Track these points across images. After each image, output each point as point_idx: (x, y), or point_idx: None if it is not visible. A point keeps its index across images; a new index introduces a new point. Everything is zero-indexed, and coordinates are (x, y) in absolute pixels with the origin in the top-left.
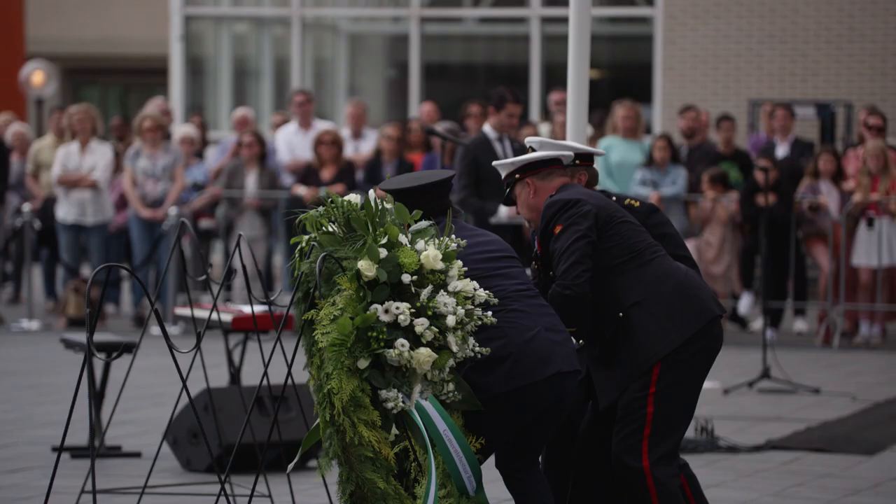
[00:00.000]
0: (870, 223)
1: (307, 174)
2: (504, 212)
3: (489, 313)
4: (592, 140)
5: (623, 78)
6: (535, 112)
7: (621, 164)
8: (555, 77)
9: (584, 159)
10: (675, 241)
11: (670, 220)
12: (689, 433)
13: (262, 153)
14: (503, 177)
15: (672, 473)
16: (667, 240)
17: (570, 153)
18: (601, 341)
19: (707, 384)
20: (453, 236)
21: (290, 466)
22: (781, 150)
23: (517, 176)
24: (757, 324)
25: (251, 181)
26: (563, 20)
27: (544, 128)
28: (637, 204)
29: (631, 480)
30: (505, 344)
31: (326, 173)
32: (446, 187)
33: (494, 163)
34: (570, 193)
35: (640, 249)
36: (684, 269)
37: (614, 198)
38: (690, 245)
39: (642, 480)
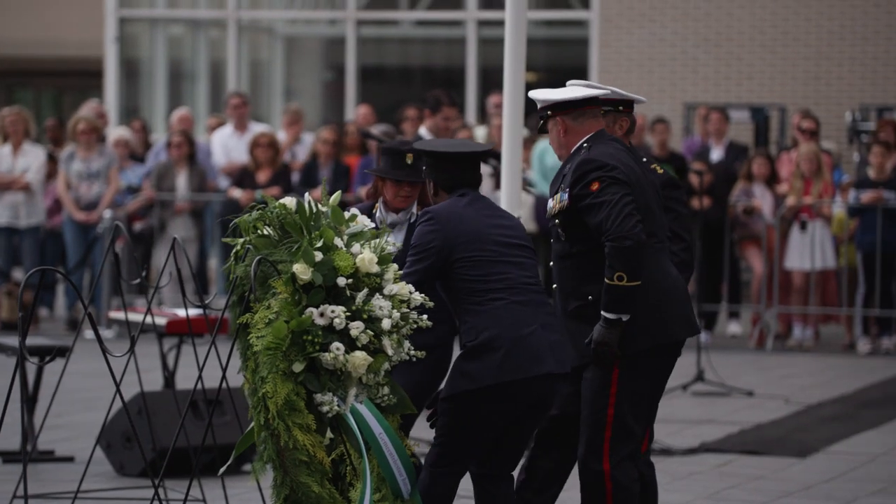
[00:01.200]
0: (803, 226)
1: (243, 177)
2: None
3: (425, 317)
4: (528, 143)
5: (559, 81)
6: (471, 115)
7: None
8: (491, 80)
9: (627, 106)
10: (681, 223)
11: (683, 199)
12: None
13: (191, 153)
14: (538, 108)
15: (633, 477)
16: (672, 217)
17: (608, 92)
18: (575, 309)
19: None
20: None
21: (223, 469)
22: (716, 154)
23: (549, 112)
24: None
25: (181, 182)
26: (500, 23)
27: (480, 130)
28: (660, 171)
29: (592, 483)
30: (499, 334)
31: (262, 176)
32: (478, 160)
33: (531, 92)
34: (606, 157)
35: (648, 234)
36: (676, 274)
37: (644, 159)
38: None
39: (602, 483)
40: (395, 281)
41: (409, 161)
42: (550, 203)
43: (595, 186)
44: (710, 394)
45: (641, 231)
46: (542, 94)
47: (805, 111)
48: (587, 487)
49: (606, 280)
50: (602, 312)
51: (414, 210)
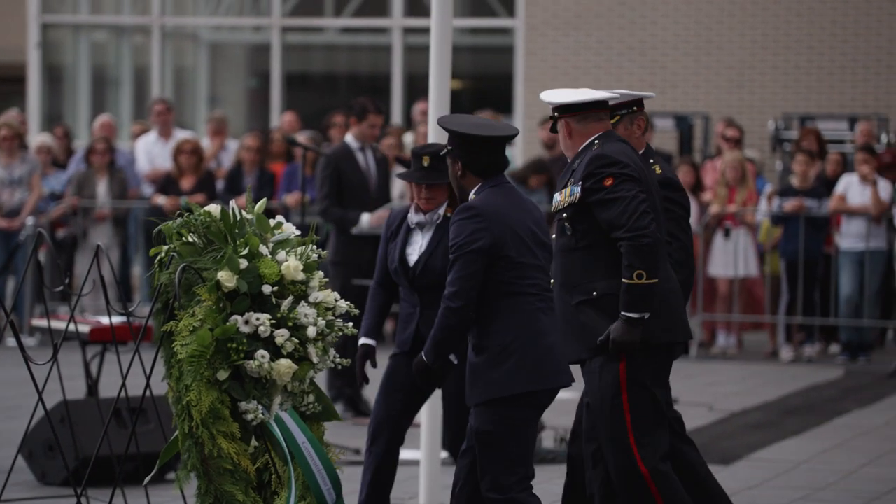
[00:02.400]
0: (727, 234)
1: (166, 184)
2: (365, 221)
3: (350, 324)
4: None
5: (484, 88)
6: (397, 121)
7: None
8: (417, 87)
9: (639, 105)
10: (677, 223)
11: (679, 199)
12: (549, 443)
13: (111, 160)
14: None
15: (667, 468)
16: (668, 217)
17: (617, 96)
18: (570, 307)
19: (567, 394)
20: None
21: (147, 479)
22: None
23: (556, 114)
24: None
25: (102, 189)
26: (425, 30)
27: (406, 137)
28: (658, 171)
29: (631, 484)
30: (527, 341)
31: (186, 183)
32: (503, 143)
33: (543, 93)
34: (619, 154)
35: None
36: (674, 277)
37: (651, 160)
38: None
39: (642, 483)
40: (321, 288)
41: (425, 163)
42: (557, 197)
43: (609, 182)
44: None
45: (657, 229)
46: (549, 96)
47: (728, 119)
48: (626, 490)
49: (625, 280)
50: (623, 313)
51: (441, 211)
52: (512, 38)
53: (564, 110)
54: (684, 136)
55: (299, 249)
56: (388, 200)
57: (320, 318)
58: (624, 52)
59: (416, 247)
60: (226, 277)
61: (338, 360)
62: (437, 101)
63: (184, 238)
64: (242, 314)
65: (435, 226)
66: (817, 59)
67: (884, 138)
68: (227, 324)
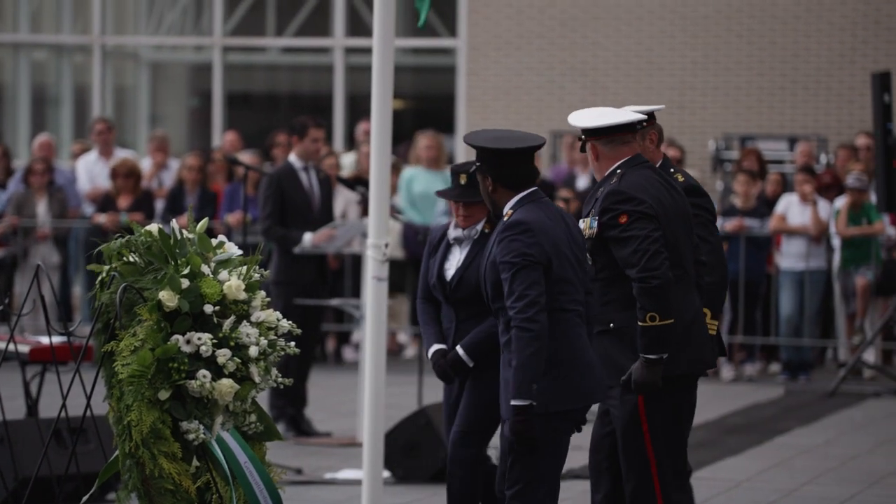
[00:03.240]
0: None
1: (105, 203)
2: (308, 241)
3: (292, 343)
4: (396, 169)
5: (426, 108)
6: (339, 142)
7: (424, 194)
8: (359, 107)
9: (651, 119)
10: (706, 227)
11: (707, 205)
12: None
13: (51, 180)
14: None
15: (681, 498)
16: (697, 222)
17: (639, 116)
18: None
19: None
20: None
21: (86, 498)
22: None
23: (583, 137)
24: None
25: (42, 209)
26: (367, 51)
27: (348, 158)
28: (681, 179)
29: None
30: (570, 357)
31: (123, 202)
32: (531, 154)
33: (571, 115)
34: (637, 189)
35: (674, 265)
36: (699, 306)
37: (672, 169)
38: None
39: None
40: (263, 308)
41: (462, 181)
42: (581, 224)
43: (623, 219)
44: None
45: (668, 269)
46: (576, 120)
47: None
48: None
49: (640, 323)
50: (642, 354)
51: (479, 227)
52: (454, 58)
53: (591, 133)
54: None
55: (241, 269)
56: (332, 220)
57: (262, 338)
58: (566, 73)
59: (454, 262)
60: (167, 297)
61: (280, 379)
62: (379, 121)
63: (125, 258)
64: (184, 334)
65: (472, 241)
66: (757, 80)
67: (823, 159)
68: (169, 343)
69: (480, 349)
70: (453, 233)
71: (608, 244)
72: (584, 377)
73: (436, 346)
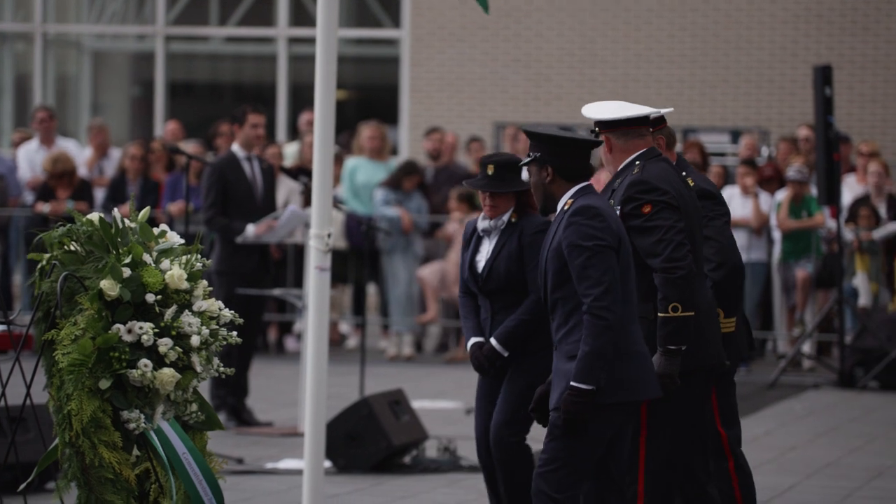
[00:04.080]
0: None
1: (44, 192)
2: (251, 231)
3: (234, 333)
4: (339, 160)
5: (370, 99)
6: (282, 132)
7: (367, 184)
8: (302, 97)
9: (656, 124)
10: (714, 227)
11: (719, 209)
12: (432, 452)
13: None
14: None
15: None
16: (710, 224)
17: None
18: None
19: (449, 404)
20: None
21: (23, 486)
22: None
23: (596, 129)
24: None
25: None
26: (310, 41)
27: (291, 147)
28: (692, 184)
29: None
30: (630, 349)
31: (62, 194)
32: (591, 149)
33: (585, 107)
34: (659, 180)
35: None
36: (711, 299)
37: (683, 172)
38: (435, 267)
39: None
40: (205, 297)
41: (489, 172)
42: None
43: (647, 209)
44: None
45: (692, 260)
46: (590, 112)
47: None
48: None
49: (661, 313)
50: (662, 346)
51: (505, 217)
52: (398, 48)
53: (606, 126)
54: None
55: (183, 258)
56: (274, 209)
57: (204, 327)
58: (509, 64)
59: (484, 253)
60: (108, 286)
61: (221, 369)
62: (322, 112)
63: (66, 247)
64: (125, 323)
65: (500, 232)
66: (700, 73)
67: (765, 151)
68: (110, 332)
69: (514, 338)
70: (482, 224)
71: (629, 234)
72: (639, 370)
73: (473, 340)
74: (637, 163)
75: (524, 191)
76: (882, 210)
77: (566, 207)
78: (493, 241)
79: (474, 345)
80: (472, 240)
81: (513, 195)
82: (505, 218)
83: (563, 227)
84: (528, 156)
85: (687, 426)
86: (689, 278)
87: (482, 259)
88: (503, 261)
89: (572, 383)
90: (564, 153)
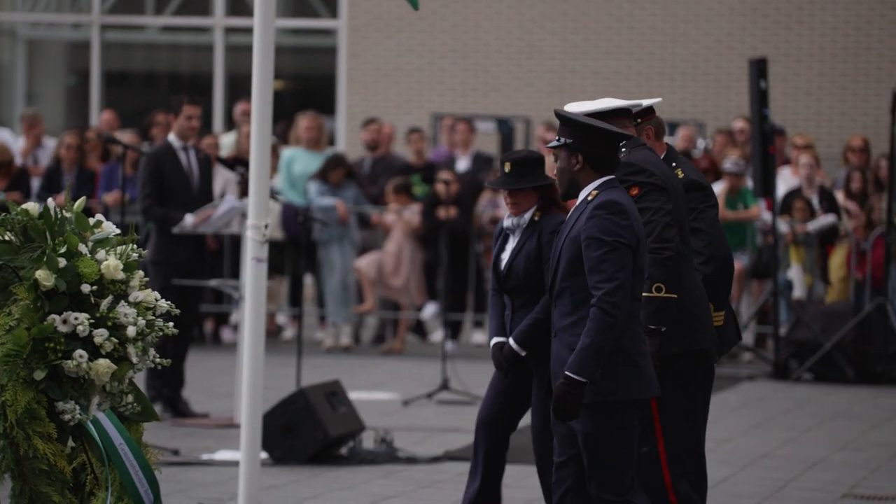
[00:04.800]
0: None
1: None
2: (189, 221)
3: (171, 324)
4: (274, 150)
5: (307, 89)
6: (218, 122)
7: (304, 175)
8: (239, 87)
9: (644, 114)
10: (703, 220)
11: (708, 201)
12: (369, 444)
13: None
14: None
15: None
16: (694, 216)
17: (633, 104)
18: None
19: (386, 395)
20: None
21: None
22: (462, 164)
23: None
24: (437, 335)
25: None
26: (247, 30)
27: (228, 138)
28: (681, 175)
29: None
30: (624, 347)
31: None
32: (621, 141)
33: (567, 105)
34: (646, 163)
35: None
36: (700, 285)
37: (674, 163)
38: (372, 257)
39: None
40: (141, 288)
41: (507, 170)
42: None
43: (635, 191)
44: (455, 402)
45: (679, 242)
46: (573, 108)
47: (549, 123)
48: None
49: (644, 293)
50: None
51: (527, 215)
52: (335, 39)
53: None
54: (506, 139)
55: (119, 248)
56: (211, 199)
57: (140, 318)
58: (446, 55)
59: (508, 251)
60: (44, 276)
61: (158, 360)
62: (259, 102)
63: (0, 236)
64: (60, 313)
65: (522, 230)
66: (636, 65)
67: (701, 144)
68: (45, 323)
69: (530, 337)
70: (506, 222)
71: None
72: (649, 367)
73: (495, 340)
74: (623, 149)
75: (547, 188)
76: (815, 202)
77: (589, 198)
78: (516, 240)
79: (495, 345)
80: (500, 237)
81: (535, 193)
82: (527, 216)
83: (586, 218)
84: (558, 140)
85: (696, 410)
86: (676, 260)
87: (505, 257)
88: (522, 259)
89: (567, 373)
90: (598, 143)
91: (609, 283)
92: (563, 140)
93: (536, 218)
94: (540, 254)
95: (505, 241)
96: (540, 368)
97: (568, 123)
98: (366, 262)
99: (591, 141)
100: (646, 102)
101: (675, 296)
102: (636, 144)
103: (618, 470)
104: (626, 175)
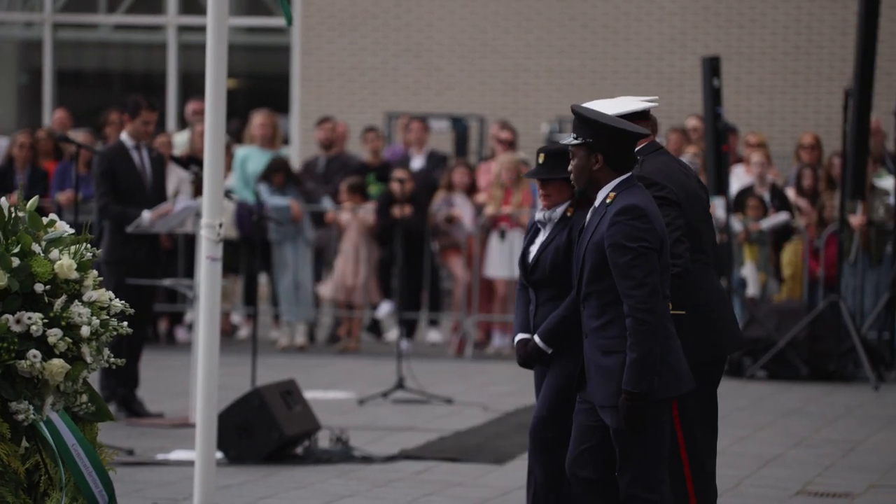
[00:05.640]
0: (502, 235)
1: None
2: (147, 218)
3: (125, 323)
4: (228, 148)
5: (261, 88)
6: (171, 121)
7: (258, 173)
8: (192, 86)
9: (640, 117)
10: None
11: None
12: (325, 443)
13: None
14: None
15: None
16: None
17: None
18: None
19: (341, 394)
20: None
21: None
22: (417, 163)
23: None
24: (392, 334)
25: None
26: (200, 29)
27: (181, 136)
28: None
29: None
30: (674, 347)
31: None
32: (638, 140)
33: (585, 105)
34: (658, 175)
35: (695, 251)
36: (722, 289)
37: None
38: (329, 284)
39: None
40: (95, 287)
41: (540, 160)
42: None
43: None
44: (410, 401)
45: (689, 258)
46: (594, 106)
47: (503, 122)
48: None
49: None
50: None
51: (560, 210)
52: (288, 37)
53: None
54: (460, 137)
55: (73, 248)
56: (164, 199)
57: (94, 318)
58: (400, 54)
59: (537, 244)
60: None
61: (112, 359)
62: (213, 100)
63: None
64: (14, 313)
65: (553, 224)
66: (590, 64)
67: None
68: None
69: (557, 335)
70: (538, 215)
71: None
72: (681, 363)
73: (519, 336)
74: (637, 158)
75: None
76: (767, 200)
77: (608, 201)
78: (546, 233)
79: (520, 341)
80: (531, 231)
81: (568, 188)
82: (560, 210)
83: (608, 224)
84: (575, 138)
85: (712, 414)
86: (684, 276)
87: (533, 250)
88: (550, 253)
89: (625, 388)
90: (618, 142)
91: (640, 290)
92: (581, 139)
93: (569, 214)
94: (570, 248)
95: (535, 235)
96: (558, 360)
97: (588, 123)
98: (328, 288)
99: (612, 140)
100: (646, 103)
101: (683, 312)
102: (652, 150)
103: (649, 466)
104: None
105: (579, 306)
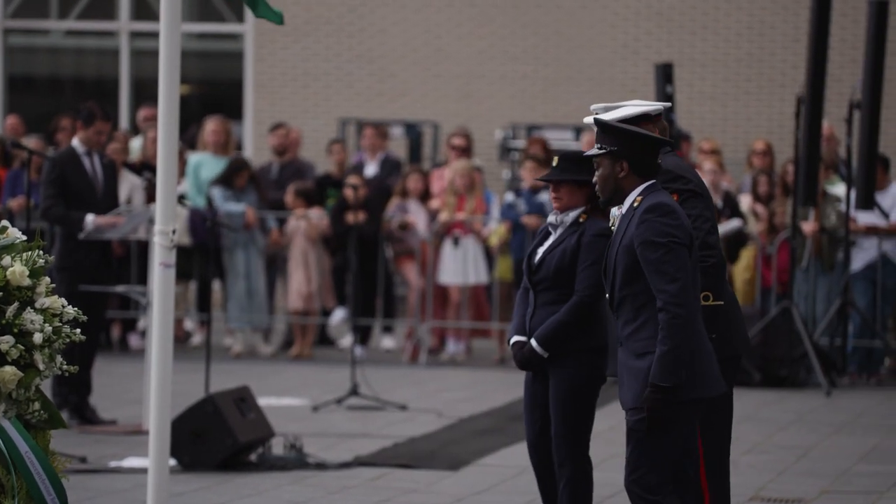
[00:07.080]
0: (455, 242)
1: None
2: (90, 221)
3: (78, 330)
4: (181, 155)
5: (214, 94)
6: (124, 126)
7: (211, 179)
8: (145, 92)
9: (644, 120)
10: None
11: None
12: (279, 450)
13: None
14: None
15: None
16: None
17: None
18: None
19: (295, 401)
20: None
21: None
22: (371, 169)
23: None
24: (346, 341)
25: None
26: (153, 35)
27: (134, 142)
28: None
29: None
30: (703, 347)
31: None
32: (660, 146)
33: (594, 106)
34: (681, 169)
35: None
36: (732, 291)
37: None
38: (289, 297)
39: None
40: (48, 294)
41: (554, 164)
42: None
43: (675, 198)
44: (365, 408)
45: (721, 249)
46: (605, 112)
47: (461, 128)
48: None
49: None
50: None
51: (572, 215)
52: (241, 43)
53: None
54: (414, 144)
55: (25, 254)
56: (116, 205)
57: (47, 325)
58: (353, 60)
59: (545, 246)
60: None
61: (65, 366)
62: (166, 106)
63: None
64: None
65: (564, 228)
66: (543, 70)
67: None
68: None
69: (554, 340)
70: (550, 218)
71: None
72: (711, 365)
73: (514, 338)
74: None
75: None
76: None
77: (635, 205)
78: (556, 236)
79: (515, 343)
80: (542, 234)
81: (581, 193)
82: (572, 215)
83: (636, 224)
84: (600, 147)
85: (728, 413)
86: (720, 267)
87: (541, 251)
88: (557, 255)
89: (653, 382)
90: (642, 149)
91: (672, 285)
92: (605, 148)
93: (581, 220)
94: (577, 252)
95: (545, 238)
96: (558, 367)
97: (612, 132)
98: (292, 298)
99: (636, 148)
100: (650, 106)
101: (722, 302)
102: (664, 151)
103: (656, 467)
104: (665, 182)
105: (578, 313)
